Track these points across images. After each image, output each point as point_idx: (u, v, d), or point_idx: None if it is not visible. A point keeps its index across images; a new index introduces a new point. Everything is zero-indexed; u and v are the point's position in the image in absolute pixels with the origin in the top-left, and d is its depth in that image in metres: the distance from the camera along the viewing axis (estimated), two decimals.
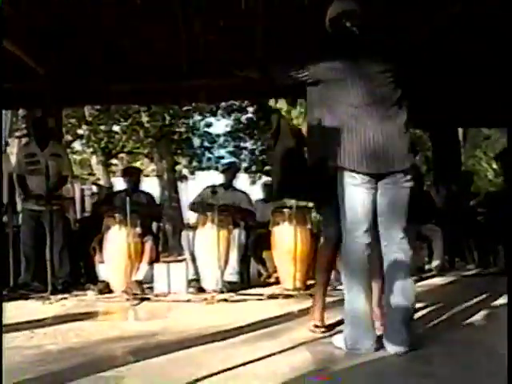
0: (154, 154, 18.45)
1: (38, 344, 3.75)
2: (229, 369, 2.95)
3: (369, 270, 3.39)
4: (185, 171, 19.90)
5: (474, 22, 6.20)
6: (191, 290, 6.09)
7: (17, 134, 12.05)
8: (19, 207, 6.92)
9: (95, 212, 7.42)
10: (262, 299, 5.55)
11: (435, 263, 7.08)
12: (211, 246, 5.89)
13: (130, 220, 5.82)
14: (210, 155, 19.47)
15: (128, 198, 5.80)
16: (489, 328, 3.97)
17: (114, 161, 19.76)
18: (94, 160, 18.99)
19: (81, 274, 6.82)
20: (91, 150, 18.19)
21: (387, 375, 2.95)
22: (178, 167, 19.41)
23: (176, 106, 15.91)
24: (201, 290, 6.06)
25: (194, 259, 6.24)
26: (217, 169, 12.82)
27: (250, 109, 19.04)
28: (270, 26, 6.47)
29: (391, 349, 3.21)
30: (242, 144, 20.21)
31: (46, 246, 5.89)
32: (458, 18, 6.03)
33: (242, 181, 9.48)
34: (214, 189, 6.97)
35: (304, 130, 3.84)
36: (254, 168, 19.55)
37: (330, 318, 3.91)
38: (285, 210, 6.40)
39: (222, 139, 19.91)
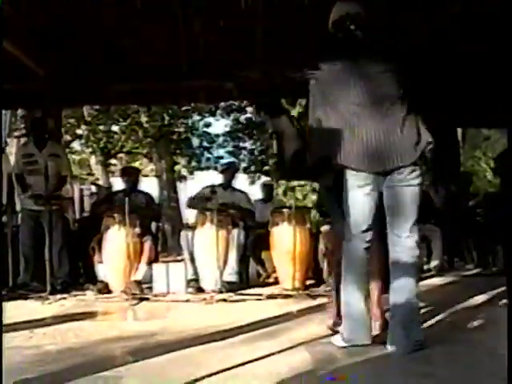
0: (152, 154, 18.45)
1: (37, 344, 3.75)
2: (228, 369, 2.94)
3: (367, 270, 3.39)
4: (184, 171, 19.91)
5: (474, 22, 6.20)
6: (190, 290, 6.09)
7: (15, 133, 12.04)
8: (18, 207, 6.91)
9: (94, 212, 7.41)
10: (261, 299, 5.55)
11: (434, 263, 7.09)
12: (210, 246, 5.89)
13: (129, 220, 5.82)
14: (209, 155, 19.48)
15: (127, 199, 5.80)
16: (488, 328, 3.97)
17: (113, 161, 19.77)
18: (93, 160, 18.99)
19: (80, 274, 6.81)
20: (90, 150, 18.20)
21: (387, 375, 2.95)
22: (176, 167, 19.41)
23: (175, 106, 15.91)
24: (200, 290, 6.06)
25: (192, 259, 6.24)
26: (216, 169, 12.84)
27: (249, 109, 19.04)
28: (270, 26, 6.47)
29: (394, 350, 3.20)
30: (241, 144, 20.22)
31: (45, 246, 5.89)
32: (458, 18, 6.03)
33: (241, 181, 9.50)
34: (213, 189, 6.98)
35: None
36: (253, 168, 19.56)
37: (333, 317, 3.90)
38: (284, 210, 6.40)
39: (221, 139, 19.93)
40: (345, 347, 3.33)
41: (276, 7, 6.08)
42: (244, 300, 5.50)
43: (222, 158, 19.11)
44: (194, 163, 19.83)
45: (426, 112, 3.45)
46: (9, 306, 4.55)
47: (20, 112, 11.96)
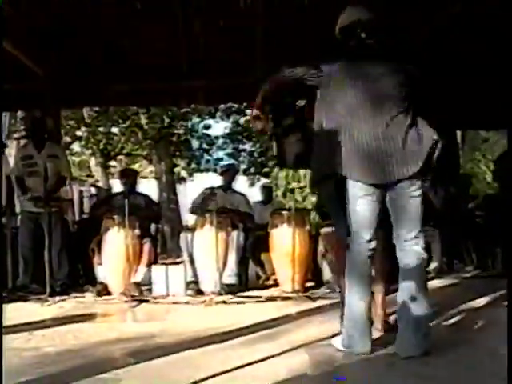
0: (152, 156, 18.44)
1: (36, 346, 3.75)
2: (227, 371, 2.94)
3: (370, 274, 3.39)
4: (183, 173, 19.91)
5: (474, 22, 6.21)
6: (189, 292, 6.09)
7: (15, 135, 12.05)
8: (18, 209, 6.91)
9: (92, 215, 7.41)
10: (260, 301, 5.55)
11: (433, 265, 7.07)
12: (210, 248, 5.89)
13: (129, 222, 5.82)
14: (209, 157, 19.48)
15: (126, 200, 5.80)
16: (488, 330, 3.97)
17: (112, 162, 19.75)
18: (92, 161, 19.00)
19: (79, 275, 6.81)
20: (90, 151, 18.20)
21: (386, 377, 2.95)
22: (176, 169, 19.41)
23: (175, 107, 15.91)
24: (199, 292, 6.05)
25: (192, 261, 6.23)
26: (215, 171, 12.83)
27: (249, 111, 19.03)
28: (270, 26, 6.48)
29: (403, 354, 3.19)
30: (241, 146, 20.22)
31: (45, 248, 5.89)
32: (458, 18, 6.03)
33: (240, 183, 9.50)
34: (212, 191, 6.98)
35: None
36: (252, 170, 19.56)
37: (332, 319, 3.90)
38: (283, 212, 6.39)
39: (220, 141, 19.92)
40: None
41: (276, 7, 6.09)
42: (243, 302, 5.50)
43: (221, 159, 19.09)
44: (193, 165, 19.83)
45: (425, 114, 3.43)
46: (8, 308, 4.55)
47: (20, 114, 11.97)
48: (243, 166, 19.26)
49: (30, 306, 5.41)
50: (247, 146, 20.23)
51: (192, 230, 6.45)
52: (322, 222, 6.69)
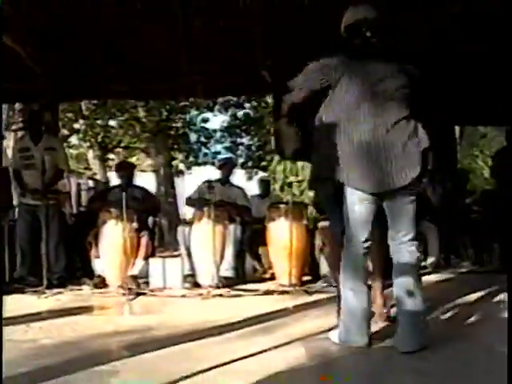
0: (150, 149, 18.43)
1: (33, 338, 3.76)
2: (224, 363, 2.95)
3: (366, 268, 3.42)
4: (181, 166, 19.92)
5: (474, 22, 6.21)
6: (187, 285, 6.10)
7: (13, 127, 12.02)
8: (15, 201, 6.91)
9: (90, 208, 7.40)
10: (257, 295, 5.55)
11: (430, 260, 7.09)
12: (207, 242, 5.89)
13: (126, 215, 5.81)
14: (207, 150, 19.50)
15: (124, 193, 5.79)
16: (484, 325, 3.98)
17: (110, 155, 19.73)
18: (90, 154, 18.97)
19: (76, 268, 6.80)
20: (88, 144, 18.18)
21: (382, 371, 2.96)
22: (174, 162, 19.41)
23: (173, 101, 15.91)
24: (196, 285, 6.06)
25: (189, 254, 6.24)
26: (213, 164, 12.81)
27: (247, 104, 19.05)
28: (270, 26, 6.47)
29: (402, 349, 3.20)
30: (239, 140, 20.22)
31: (42, 241, 5.89)
32: (458, 18, 6.03)
33: (238, 176, 9.49)
34: (210, 184, 6.98)
35: None
36: (250, 164, 19.57)
37: (329, 313, 3.91)
38: (281, 205, 6.39)
39: (218, 135, 19.93)
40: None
41: (276, 7, 6.08)
42: (240, 295, 5.50)
43: (219, 153, 19.11)
44: (191, 158, 19.84)
45: (423, 110, 3.42)
46: (5, 300, 4.55)
47: (18, 106, 11.94)
48: (241, 160, 19.28)
49: (27, 299, 5.41)
50: (245, 140, 20.24)
51: (189, 223, 6.45)
52: (320, 216, 6.71)
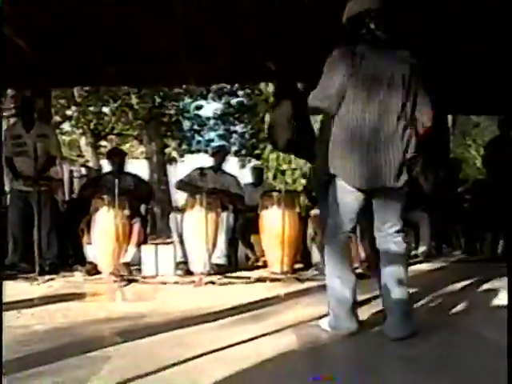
0: (143, 136, 18.38)
1: (26, 324, 3.76)
2: (216, 350, 2.97)
3: (350, 255, 3.47)
4: (174, 154, 19.89)
5: (474, 22, 6.22)
6: (179, 272, 6.11)
7: (5, 113, 11.94)
8: (7, 188, 6.89)
9: (81, 195, 7.39)
10: (249, 282, 5.57)
11: (422, 249, 7.12)
12: (199, 229, 5.89)
13: (119, 202, 5.80)
14: (200, 138, 19.50)
15: (117, 180, 5.78)
16: (473, 313, 4.01)
17: (103, 142, 19.68)
18: (82, 141, 18.91)
19: (68, 255, 6.81)
20: (80, 131, 18.12)
21: (372, 358, 2.99)
22: (167, 150, 19.38)
23: (166, 88, 15.87)
24: (188, 272, 6.07)
25: (182, 242, 6.24)
26: (206, 152, 12.81)
27: (241, 92, 19.03)
28: (270, 25, 6.45)
29: (392, 335, 3.23)
30: (232, 127, 20.22)
31: (34, 227, 5.88)
32: (458, 17, 6.04)
33: (231, 164, 9.49)
34: (202, 171, 6.98)
35: None
36: (243, 152, 19.57)
37: (320, 300, 3.93)
38: (273, 193, 6.40)
39: (211, 122, 19.91)
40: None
41: (276, 7, 6.07)
42: (232, 283, 5.52)
43: (212, 141, 19.10)
44: (184, 146, 19.82)
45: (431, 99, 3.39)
46: None
47: (10, 92, 11.86)
48: (234, 148, 19.28)
49: (18, 285, 5.41)
50: (238, 128, 20.24)
51: (182, 210, 6.45)
52: (311, 204, 6.73)
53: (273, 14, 6.35)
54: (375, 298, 4.10)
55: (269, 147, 15.18)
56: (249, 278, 5.76)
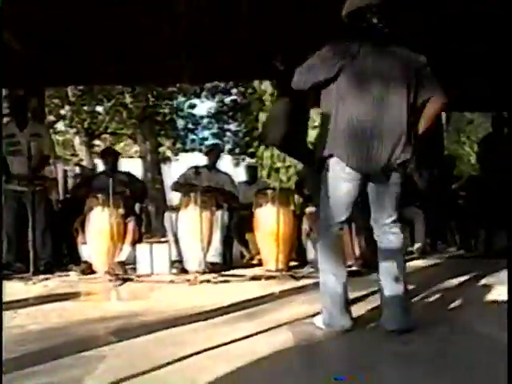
0: (137, 135, 18.36)
1: (21, 324, 3.74)
2: (211, 348, 2.96)
3: (343, 251, 3.46)
4: (168, 153, 19.87)
5: (470, 21, 6.23)
6: (174, 270, 6.11)
7: None
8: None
9: (74, 195, 7.37)
10: (244, 280, 5.57)
11: (417, 246, 7.14)
12: (194, 227, 5.88)
13: (113, 201, 5.79)
14: (194, 137, 19.49)
15: (111, 179, 5.77)
16: (468, 309, 4.03)
17: (97, 142, 19.63)
18: (77, 141, 18.85)
19: (63, 254, 6.80)
20: (74, 130, 18.08)
21: (365, 355, 2.98)
22: (161, 149, 19.36)
23: (160, 87, 15.85)
24: (183, 270, 6.07)
25: (176, 240, 6.24)
26: (200, 150, 12.80)
27: (235, 90, 19.02)
28: (270, 25, 6.46)
29: (389, 328, 3.25)
30: (226, 126, 20.21)
31: (28, 227, 5.87)
32: (455, 17, 6.05)
33: (225, 163, 9.50)
34: (197, 170, 6.97)
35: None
36: (237, 150, 19.57)
37: (315, 298, 3.93)
38: (268, 191, 6.41)
39: (205, 121, 19.89)
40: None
41: (276, 7, 6.07)
42: (227, 281, 5.52)
43: (206, 139, 19.11)
44: (178, 145, 19.81)
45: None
46: None
47: (3, 91, 11.83)
48: (228, 146, 19.27)
49: (13, 285, 5.39)
50: (232, 126, 20.24)
51: (176, 209, 6.44)
52: (302, 200, 6.72)
53: (272, 12, 6.37)
54: (370, 294, 4.11)
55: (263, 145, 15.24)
56: (244, 276, 5.76)
